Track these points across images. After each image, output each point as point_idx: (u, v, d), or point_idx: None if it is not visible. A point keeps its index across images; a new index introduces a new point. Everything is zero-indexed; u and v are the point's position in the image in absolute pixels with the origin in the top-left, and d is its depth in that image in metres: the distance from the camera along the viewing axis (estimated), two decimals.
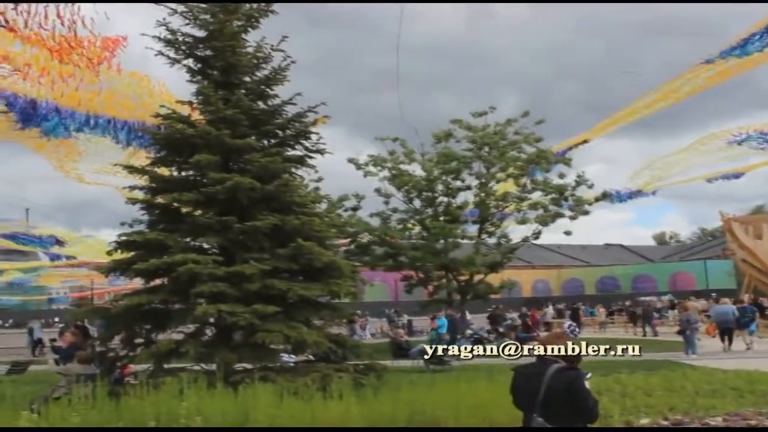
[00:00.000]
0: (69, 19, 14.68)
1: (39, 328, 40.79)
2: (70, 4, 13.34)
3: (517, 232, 38.51)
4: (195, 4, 17.88)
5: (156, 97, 18.27)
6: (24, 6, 13.15)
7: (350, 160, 36.57)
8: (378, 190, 36.59)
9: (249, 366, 15.57)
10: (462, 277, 36.80)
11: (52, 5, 13.34)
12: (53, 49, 15.75)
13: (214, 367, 14.98)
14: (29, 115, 19.61)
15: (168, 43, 17.84)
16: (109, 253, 17.17)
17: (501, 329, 37.65)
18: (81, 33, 17.00)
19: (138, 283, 18.25)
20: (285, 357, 17.98)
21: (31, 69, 17.87)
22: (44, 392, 15.41)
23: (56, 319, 59.12)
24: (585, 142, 50.04)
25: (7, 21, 14.26)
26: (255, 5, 18.34)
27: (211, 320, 15.61)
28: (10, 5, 13.45)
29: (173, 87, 20.05)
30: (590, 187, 37.46)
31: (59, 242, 50.76)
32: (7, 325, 67.79)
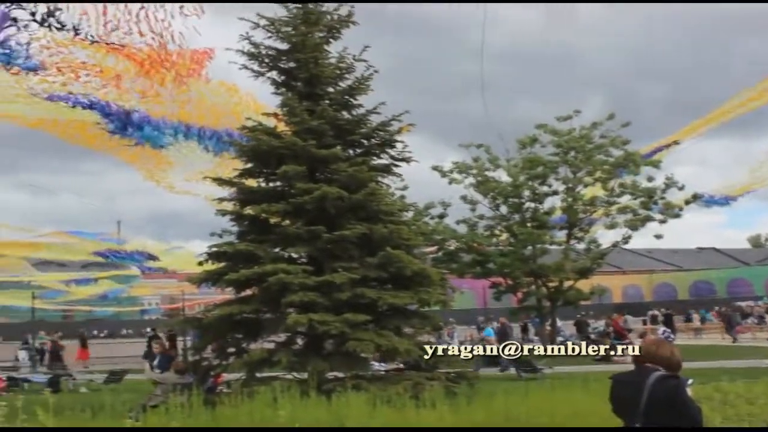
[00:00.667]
0: (159, 33, 15.03)
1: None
2: (161, 20, 13.69)
3: (606, 237, 37.64)
4: (277, 17, 18.11)
5: (244, 105, 18.52)
6: (116, 21, 13.55)
7: (434, 168, 36.37)
8: (464, 197, 36.27)
9: (340, 374, 15.60)
10: (551, 284, 36.14)
11: (143, 21, 13.70)
12: (144, 62, 16.13)
13: (305, 375, 15.07)
14: (124, 123, 20.16)
15: (252, 56, 18.14)
16: (200, 263, 17.51)
17: (591, 336, 36.77)
18: (170, 47, 17.34)
19: (229, 293, 18.52)
20: (375, 365, 17.96)
21: (123, 81, 18.27)
22: (141, 400, 15.78)
23: (148, 330, 60.70)
24: (675, 143, 48.55)
25: (99, 37, 14.69)
26: (336, 17, 18.46)
27: (302, 329, 15.67)
28: (102, 22, 13.88)
29: (260, 97, 20.25)
30: (680, 189, 36.29)
31: (151, 257, 52.14)
32: (102, 335, 70.07)
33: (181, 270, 51.96)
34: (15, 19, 13.11)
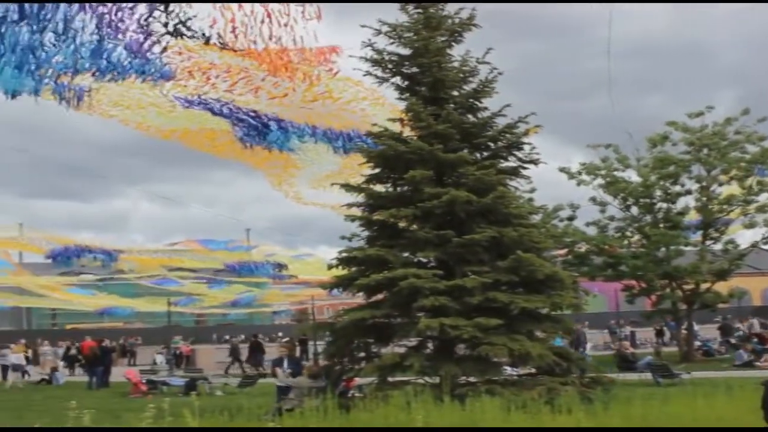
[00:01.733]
0: (283, 37, 15.27)
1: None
2: (284, 25, 13.91)
3: (744, 237, 35.95)
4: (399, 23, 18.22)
5: (371, 101, 18.61)
6: (242, 27, 13.86)
7: (561, 170, 35.72)
8: (593, 199, 35.44)
9: (472, 379, 15.49)
10: (687, 286, 34.77)
11: (267, 26, 13.96)
12: (270, 63, 16.39)
13: (437, 380, 15.04)
14: (252, 127, 20.61)
15: (375, 62, 18.28)
16: (329, 268, 17.79)
17: (732, 340, 35.13)
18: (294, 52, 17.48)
19: (359, 297, 18.73)
20: (507, 370, 17.74)
21: (250, 82, 18.51)
22: (276, 404, 16.18)
23: (280, 334, 62.17)
24: None
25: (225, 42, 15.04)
26: (457, 20, 18.40)
27: (434, 333, 15.64)
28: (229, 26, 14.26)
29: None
30: None
31: (280, 266, 53.49)
32: (235, 339, 72.26)
33: (310, 276, 52.96)
34: (150, 33, 13.64)
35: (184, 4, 11.98)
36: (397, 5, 18.52)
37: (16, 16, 12.48)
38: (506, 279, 15.83)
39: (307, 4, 12.26)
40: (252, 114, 19.45)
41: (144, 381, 27.57)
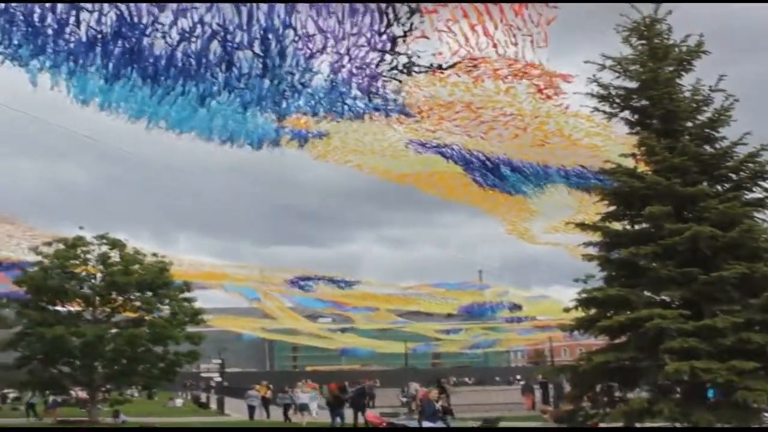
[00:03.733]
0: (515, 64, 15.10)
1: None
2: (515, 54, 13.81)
3: None
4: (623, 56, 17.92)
5: (604, 138, 18.20)
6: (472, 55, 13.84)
7: None
8: None
9: (727, 426, 14.57)
10: None
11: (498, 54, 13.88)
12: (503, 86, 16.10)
13: (686, 426, 14.34)
14: (485, 169, 20.72)
15: (602, 98, 18.03)
16: (567, 310, 17.58)
17: None
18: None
19: (601, 340, 18.30)
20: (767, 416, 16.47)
21: (482, 119, 18.36)
22: None
23: (518, 377, 61.61)
24: None
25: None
26: (684, 48, 17.80)
27: (683, 377, 14.91)
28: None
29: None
30: None
31: (516, 306, 53.00)
32: (470, 381, 72.34)
33: (545, 317, 52.17)
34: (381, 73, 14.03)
35: (411, 40, 12.33)
36: (617, 38, 18.23)
37: (260, 71, 13.54)
38: (760, 318, 14.82)
39: (535, 33, 12.13)
40: (483, 156, 19.60)
41: (386, 423, 28.25)
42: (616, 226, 17.79)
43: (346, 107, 15.45)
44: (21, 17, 12.86)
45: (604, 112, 18.18)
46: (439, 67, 13.60)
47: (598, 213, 18.73)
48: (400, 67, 13.20)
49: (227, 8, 12.26)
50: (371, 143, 19.69)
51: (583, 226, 18.10)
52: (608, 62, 17.95)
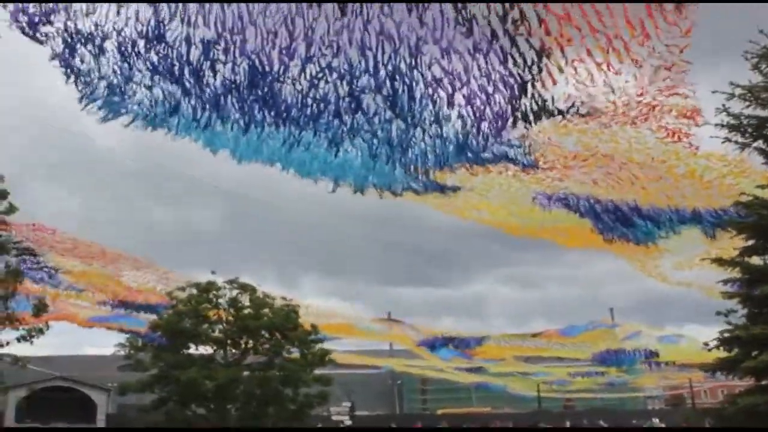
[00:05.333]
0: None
1: None
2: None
3: None
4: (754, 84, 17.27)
5: (738, 172, 17.45)
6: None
7: None
8: None
9: None
10: None
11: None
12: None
13: None
14: (614, 219, 20.16)
15: (733, 128, 17.35)
16: (708, 348, 16.85)
17: None
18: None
19: (746, 381, 17.37)
20: None
21: (606, 174, 17.92)
22: None
23: (655, 420, 58.97)
24: None
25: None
26: None
27: None
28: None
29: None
30: None
31: (652, 354, 50.86)
32: (604, 424, 69.60)
33: (681, 358, 49.94)
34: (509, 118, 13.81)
35: (537, 82, 12.13)
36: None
37: (388, 113, 13.66)
38: None
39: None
40: (612, 205, 19.13)
41: None
42: (756, 261, 16.96)
43: (471, 156, 15.41)
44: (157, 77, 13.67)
45: (737, 142, 17.46)
46: (567, 112, 13.38)
47: (735, 248, 17.91)
48: (528, 113, 13.09)
49: (353, 53, 12.52)
50: (497, 196, 19.59)
51: (720, 261, 17.34)
52: (738, 90, 17.31)
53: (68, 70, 13.84)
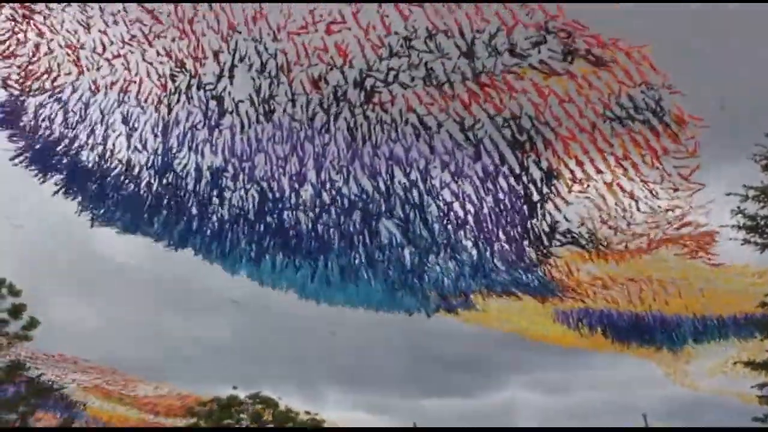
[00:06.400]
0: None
1: None
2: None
3: None
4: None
5: (759, 275, 17.37)
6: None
7: None
8: None
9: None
10: None
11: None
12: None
13: None
14: (629, 329, 19.98)
15: (750, 229, 17.31)
16: None
17: None
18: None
19: None
20: None
21: (622, 292, 17.89)
22: None
23: None
24: None
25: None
26: None
27: None
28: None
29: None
30: None
31: None
32: None
33: None
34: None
35: (547, 202, 12.11)
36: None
37: (399, 239, 13.64)
38: None
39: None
40: (628, 317, 19.07)
41: None
42: None
43: (486, 281, 15.38)
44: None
45: (756, 243, 17.43)
46: (585, 245, 13.31)
47: (766, 350, 17.57)
48: (541, 236, 13.04)
49: (365, 180, 12.59)
50: (516, 315, 19.54)
51: (752, 365, 16.97)
52: (751, 192, 17.39)
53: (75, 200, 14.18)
